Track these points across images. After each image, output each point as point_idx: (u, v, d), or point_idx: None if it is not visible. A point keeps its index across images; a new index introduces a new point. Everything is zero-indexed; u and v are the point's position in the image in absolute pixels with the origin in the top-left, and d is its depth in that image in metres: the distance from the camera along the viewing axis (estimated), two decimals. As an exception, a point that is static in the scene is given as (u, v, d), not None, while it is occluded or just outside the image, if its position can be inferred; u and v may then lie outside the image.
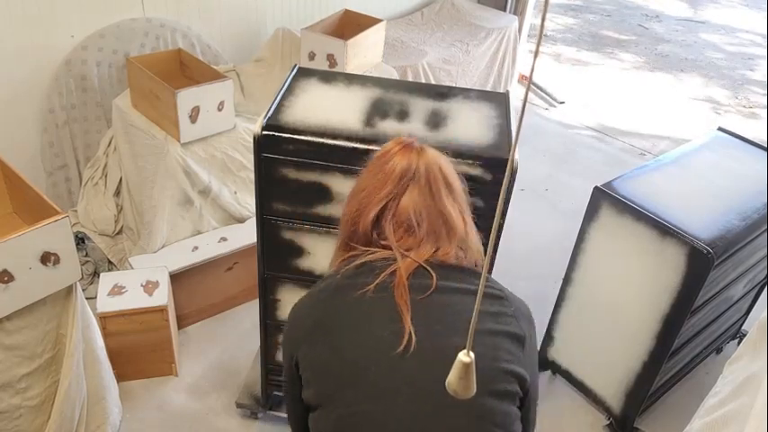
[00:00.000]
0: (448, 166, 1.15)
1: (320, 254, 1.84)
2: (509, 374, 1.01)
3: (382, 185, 1.10)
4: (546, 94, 5.05)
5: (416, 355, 0.98)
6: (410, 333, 0.98)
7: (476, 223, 1.19)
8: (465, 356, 0.72)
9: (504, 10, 4.51)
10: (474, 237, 1.15)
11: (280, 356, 2.09)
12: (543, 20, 0.59)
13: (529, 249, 3.25)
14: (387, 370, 0.98)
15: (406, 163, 1.11)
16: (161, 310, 2.26)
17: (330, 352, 1.02)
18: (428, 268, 1.06)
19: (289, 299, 1.95)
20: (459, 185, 1.15)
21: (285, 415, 2.22)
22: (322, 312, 1.06)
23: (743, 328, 2.75)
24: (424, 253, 1.08)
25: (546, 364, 2.52)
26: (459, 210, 1.13)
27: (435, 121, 1.72)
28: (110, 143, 2.83)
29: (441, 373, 0.87)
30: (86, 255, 2.80)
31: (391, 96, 1.83)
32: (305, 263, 1.86)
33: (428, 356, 0.98)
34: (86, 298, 1.92)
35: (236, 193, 2.77)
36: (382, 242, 1.10)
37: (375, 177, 1.12)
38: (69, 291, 1.79)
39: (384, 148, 1.16)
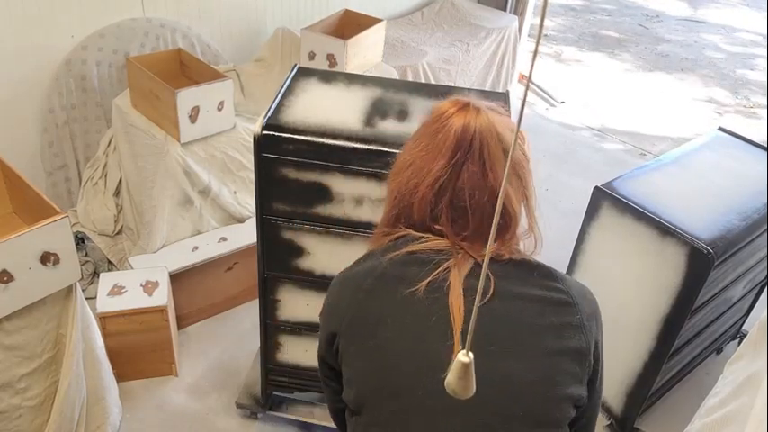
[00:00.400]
0: (507, 132, 0.96)
1: (320, 254, 1.84)
2: (565, 400, 0.93)
3: (434, 158, 0.94)
4: (546, 93, 5.05)
5: None
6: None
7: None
8: (464, 356, 0.71)
9: (504, 10, 4.51)
10: (534, 220, 0.99)
11: (280, 356, 2.09)
12: (542, 20, 0.58)
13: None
14: (434, 392, 0.88)
15: (461, 125, 0.94)
16: (161, 310, 2.26)
17: (376, 356, 0.94)
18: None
19: (289, 299, 1.95)
20: (521, 157, 0.97)
21: (285, 415, 2.24)
22: (365, 304, 0.95)
23: (743, 328, 2.75)
24: (479, 244, 0.94)
25: (546, 364, 2.51)
26: (521, 189, 0.97)
27: (435, 120, 1.72)
28: (110, 143, 2.83)
29: (490, 399, 0.81)
30: (86, 255, 2.80)
31: (391, 96, 1.83)
32: (305, 263, 1.86)
33: (479, 380, 0.84)
34: (86, 298, 1.92)
35: (235, 193, 2.77)
36: (436, 227, 0.96)
37: (426, 148, 0.95)
38: (69, 291, 1.79)
39: (437, 110, 1.00)
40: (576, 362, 0.94)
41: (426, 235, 0.96)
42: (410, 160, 0.98)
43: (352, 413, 0.99)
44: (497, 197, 0.92)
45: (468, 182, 0.93)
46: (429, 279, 0.92)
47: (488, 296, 0.92)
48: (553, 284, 0.97)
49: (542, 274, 0.97)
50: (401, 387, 0.92)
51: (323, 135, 1.63)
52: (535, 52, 0.55)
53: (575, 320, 0.95)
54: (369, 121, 1.69)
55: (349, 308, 0.97)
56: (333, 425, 1.24)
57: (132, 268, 2.49)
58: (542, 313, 0.94)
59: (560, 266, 2.36)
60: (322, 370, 1.11)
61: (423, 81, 3.60)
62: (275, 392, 2.25)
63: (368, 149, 1.61)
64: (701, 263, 1.89)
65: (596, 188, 2.15)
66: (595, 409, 1.04)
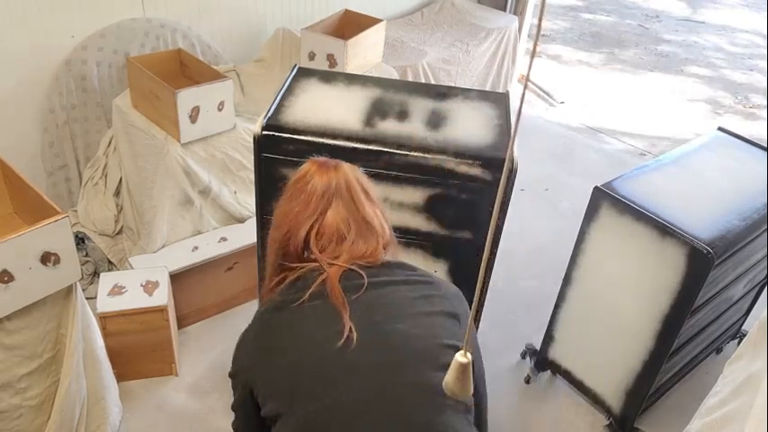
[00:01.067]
0: (364, 177, 1.24)
1: (320, 254, 1.83)
2: (450, 348, 1.06)
3: (306, 205, 1.17)
4: (546, 94, 5.05)
5: (360, 346, 1.04)
6: (350, 328, 1.04)
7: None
8: (462, 357, 0.71)
9: (504, 10, 4.51)
10: (390, 230, 1.24)
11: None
12: (540, 20, 0.59)
13: (529, 249, 3.25)
14: (333, 365, 1.04)
15: (326, 180, 1.18)
16: (161, 310, 2.26)
17: (278, 365, 1.07)
18: (357, 269, 1.12)
19: (289, 299, 1.94)
20: (374, 190, 1.24)
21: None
22: (266, 334, 1.11)
23: (743, 328, 2.75)
24: (354, 255, 1.15)
25: (546, 364, 2.52)
26: (378, 212, 1.21)
27: (435, 121, 1.72)
28: (110, 143, 2.83)
29: (386, 357, 0.96)
30: (86, 255, 2.80)
31: (391, 96, 1.83)
32: (305, 263, 1.85)
33: (372, 344, 1.04)
34: (86, 298, 1.92)
35: (236, 193, 2.77)
36: (312, 257, 1.16)
37: (298, 199, 1.18)
38: (69, 291, 1.79)
39: (300, 171, 1.23)
40: (450, 321, 1.12)
41: (300, 264, 1.16)
42: (284, 213, 1.19)
43: (273, 423, 1.07)
44: (368, 222, 1.18)
45: (342, 215, 1.16)
46: (310, 291, 1.10)
47: (363, 288, 1.10)
48: (414, 272, 1.18)
49: (403, 267, 1.20)
50: (305, 377, 1.04)
51: (323, 135, 1.63)
52: (533, 52, 0.55)
53: (439, 293, 1.15)
54: (369, 122, 1.69)
55: (254, 344, 1.12)
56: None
57: (132, 268, 2.49)
58: (412, 289, 1.14)
59: (560, 266, 2.38)
60: (242, 422, 1.18)
61: (423, 81, 3.60)
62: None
63: (368, 149, 1.61)
64: (701, 263, 1.89)
65: (596, 188, 2.15)
66: (480, 378, 1.19)
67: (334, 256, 1.15)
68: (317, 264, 1.14)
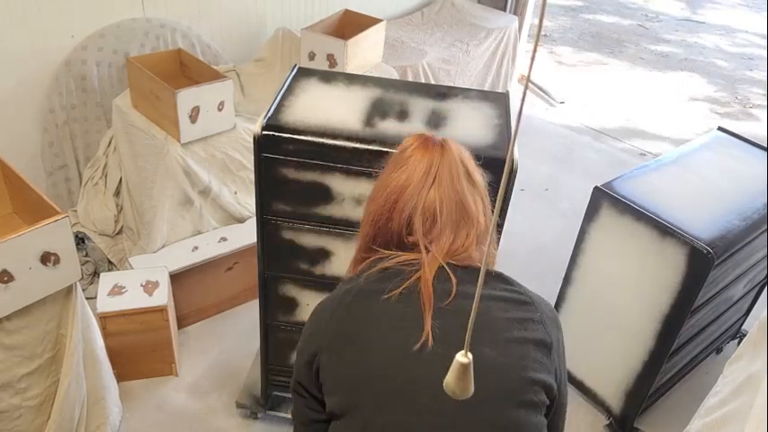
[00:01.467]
0: (470, 160, 1.13)
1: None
2: (536, 384, 0.99)
3: (408, 182, 1.08)
4: (546, 94, 5.05)
5: (442, 367, 0.92)
6: (428, 333, 0.96)
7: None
8: (463, 357, 0.71)
9: (504, 10, 4.51)
10: (489, 224, 1.12)
11: (280, 356, 2.09)
12: (541, 20, 0.59)
13: (529, 249, 3.25)
14: (413, 382, 0.96)
15: (428, 160, 1.08)
16: (161, 310, 2.26)
17: (355, 361, 1.00)
18: (449, 271, 1.03)
19: (289, 299, 1.94)
20: (481, 181, 1.12)
21: (285, 415, 2.24)
22: (345, 318, 1.04)
23: (743, 328, 2.75)
24: (443, 244, 1.05)
25: (546, 364, 2.51)
26: (480, 204, 1.10)
27: (435, 121, 1.72)
28: (110, 143, 2.83)
29: None
30: (86, 255, 2.80)
31: (391, 96, 1.83)
32: (305, 263, 1.86)
33: None
34: (86, 298, 1.92)
35: (236, 193, 2.77)
36: (410, 238, 1.07)
37: (399, 176, 1.09)
38: (69, 291, 1.79)
39: (404, 144, 1.13)
40: (542, 352, 1.02)
41: (396, 252, 1.08)
42: (387, 184, 1.10)
43: (336, 418, 1.02)
44: (463, 205, 1.07)
45: (441, 196, 1.07)
46: (402, 287, 1.01)
47: (451, 297, 1.01)
48: (511, 287, 1.07)
49: (501, 279, 1.08)
50: (382, 384, 0.98)
51: (323, 135, 1.63)
52: (534, 52, 0.55)
53: (535, 317, 1.04)
54: (369, 121, 1.69)
55: (330, 324, 1.04)
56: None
57: (132, 268, 2.49)
58: (506, 309, 1.03)
59: (560, 266, 2.38)
60: (298, 400, 1.11)
61: (423, 81, 3.61)
62: (275, 392, 2.25)
63: (368, 149, 1.61)
64: (701, 263, 1.89)
65: (596, 188, 2.15)
66: (562, 409, 1.10)
67: (428, 240, 1.06)
68: (413, 256, 1.05)
